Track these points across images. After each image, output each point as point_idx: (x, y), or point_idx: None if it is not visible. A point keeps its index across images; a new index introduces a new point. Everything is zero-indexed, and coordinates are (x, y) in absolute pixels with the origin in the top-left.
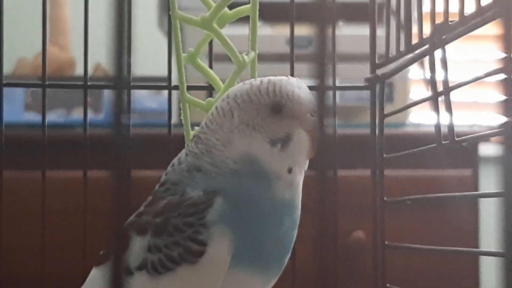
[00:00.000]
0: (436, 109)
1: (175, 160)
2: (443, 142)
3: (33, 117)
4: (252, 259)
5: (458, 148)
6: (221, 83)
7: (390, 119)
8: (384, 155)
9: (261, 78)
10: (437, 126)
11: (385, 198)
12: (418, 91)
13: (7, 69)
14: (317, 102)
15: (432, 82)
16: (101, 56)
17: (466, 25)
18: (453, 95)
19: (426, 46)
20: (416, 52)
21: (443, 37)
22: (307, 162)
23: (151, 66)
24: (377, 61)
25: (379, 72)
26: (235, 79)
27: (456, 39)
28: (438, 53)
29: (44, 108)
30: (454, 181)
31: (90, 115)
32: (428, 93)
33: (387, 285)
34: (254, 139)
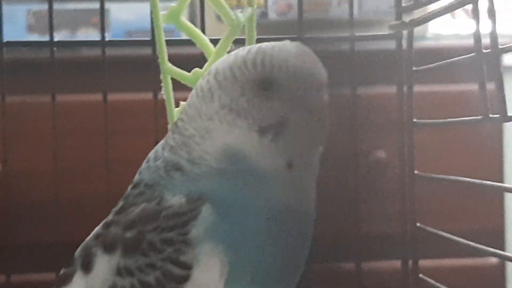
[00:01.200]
0: (482, 74)
1: (151, 155)
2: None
3: (36, 39)
4: (251, 284)
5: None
6: (212, 47)
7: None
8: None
9: (250, 46)
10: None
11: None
12: None
13: None
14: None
15: (477, 40)
16: None
17: None
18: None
19: None
20: None
21: None
22: (318, 150)
23: None
24: (403, 4)
25: (406, 18)
26: (228, 44)
27: None
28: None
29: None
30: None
31: (96, 35)
32: None
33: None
34: (238, 128)
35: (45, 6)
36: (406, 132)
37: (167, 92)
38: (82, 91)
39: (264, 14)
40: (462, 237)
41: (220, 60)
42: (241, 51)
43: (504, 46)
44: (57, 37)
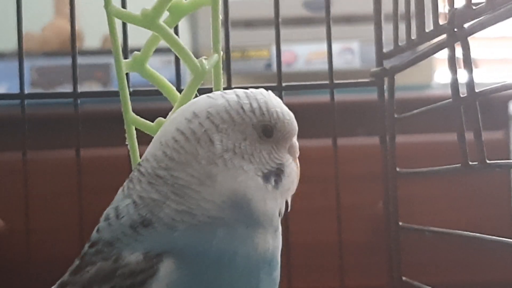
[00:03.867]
0: (460, 120)
1: (110, 211)
2: (461, 96)
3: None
4: None
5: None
6: (177, 94)
7: (413, 80)
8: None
9: (232, 91)
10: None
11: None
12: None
13: (12, 44)
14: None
15: (454, 88)
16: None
17: (496, 10)
18: (481, 51)
19: (443, 36)
20: (432, 43)
21: (465, 25)
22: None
23: None
24: (384, 50)
25: (387, 64)
26: (193, 92)
27: (482, 29)
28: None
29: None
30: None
31: (99, 89)
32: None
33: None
34: (245, 173)
35: (47, 62)
36: (390, 182)
37: (132, 142)
38: (54, 147)
39: (268, 66)
40: None
41: (201, 103)
42: (225, 94)
43: (480, 90)
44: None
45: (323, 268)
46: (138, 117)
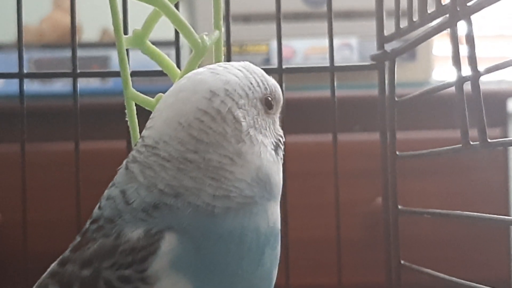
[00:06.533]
0: (462, 97)
1: (114, 193)
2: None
3: (37, 86)
4: None
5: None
6: (178, 71)
7: (412, 77)
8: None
9: (227, 64)
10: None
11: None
12: (443, 45)
13: (10, 36)
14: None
15: (456, 62)
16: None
17: None
18: (479, 49)
19: (446, 16)
20: (434, 23)
21: (468, 4)
22: None
23: None
24: (385, 34)
25: (388, 47)
26: (193, 68)
27: (484, 7)
28: (461, 25)
29: None
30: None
31: (97, 83)
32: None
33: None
34: (264, 147)
35: (44, 54)
36: (389, 165)
37: (131, 119)
38: (52, 140)
39: (266, 61)
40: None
41: (213, 81)
42: (228, 69)
43: (483, 70)
44: (58, 85)
45: (320, 264)
46: (138, 93)
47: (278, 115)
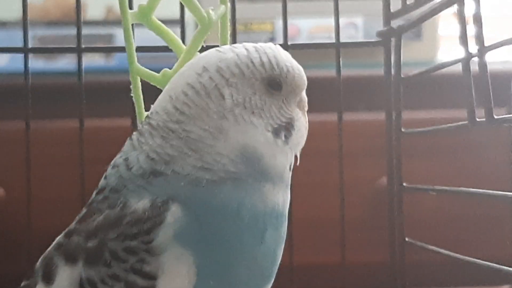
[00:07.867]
0: (468, 74)
1: (119, 161)
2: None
3: (41, 64)
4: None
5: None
6: (183, 46)
7: (417, 57)
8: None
9: (241, 45)
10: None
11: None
12: (448, 24)
13: (14, 14)
14: None
15: (463, 39)
16: None
17: None
18: (485, 29)
19: None
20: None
21: None
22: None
23: None
24: (391, 10)
25: (394, 23)
26: (199, 43)
27: None
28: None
29: None
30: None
31: (102, 61)
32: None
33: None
34: (255, 128)
35: (49, 31)
36: (394, 143)
37: (136, 94)
38: (58, 117)
39: (271, 40)
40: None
41: (211, 57)
42: (235, 48)
43: (490, 45)
44: (62, 63)
45: (324, 243)
46: (143, 67)
47: (294, 97)
